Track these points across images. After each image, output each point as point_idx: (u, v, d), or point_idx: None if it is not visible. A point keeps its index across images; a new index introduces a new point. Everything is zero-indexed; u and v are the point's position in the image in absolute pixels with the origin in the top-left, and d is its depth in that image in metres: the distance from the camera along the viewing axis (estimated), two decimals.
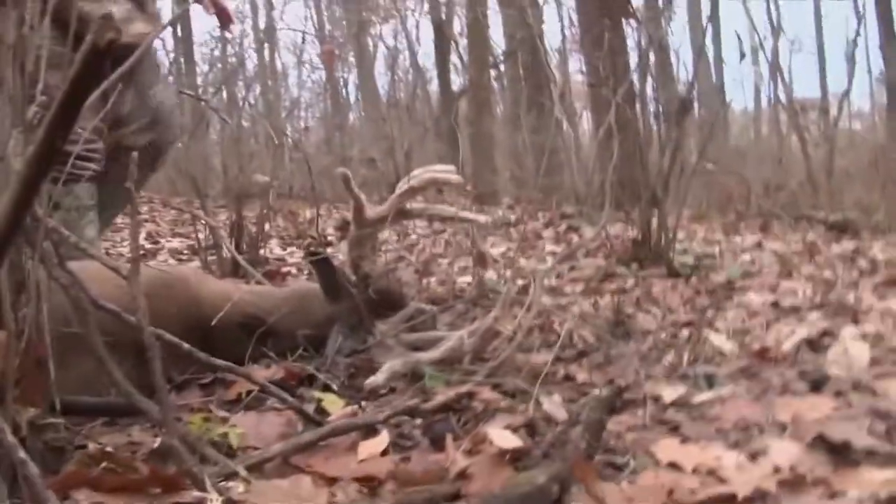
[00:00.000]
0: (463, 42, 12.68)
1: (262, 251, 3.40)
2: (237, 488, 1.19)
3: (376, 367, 1.76)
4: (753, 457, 1.29)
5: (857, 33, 12.18)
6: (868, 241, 4.50)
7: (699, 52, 9.00)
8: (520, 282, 2.65)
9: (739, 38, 13.44)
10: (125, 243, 4.34)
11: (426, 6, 13.41)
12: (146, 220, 5.95)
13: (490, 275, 3.02)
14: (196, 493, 1.15)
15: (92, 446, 1.31)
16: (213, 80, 13.45)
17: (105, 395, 1.46)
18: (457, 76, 13.83)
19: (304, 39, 15.69)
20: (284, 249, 4.34)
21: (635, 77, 5.51)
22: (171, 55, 13.75)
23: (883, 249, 3.94)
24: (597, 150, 6.16)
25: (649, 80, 5.63)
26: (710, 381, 1.75)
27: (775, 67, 11.76)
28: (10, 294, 1.20)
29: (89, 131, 2.34)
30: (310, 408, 1.56)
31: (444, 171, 2.10)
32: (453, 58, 13.30)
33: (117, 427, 1.50)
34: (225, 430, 1.41)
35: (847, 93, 11.22)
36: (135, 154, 1.43)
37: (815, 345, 2.08)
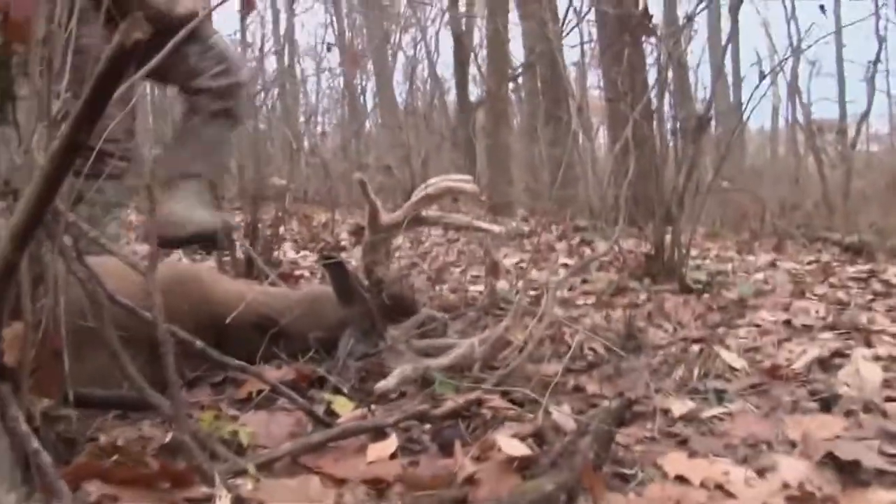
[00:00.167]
0: (482, 53, 12.71)
1: (275, 254, 3.41)
2: (246, 486, 1.19)
3: (387, 372, 1.77)
4: (762, 473, 1.29)
5: (878, 56, 12.09)
6: (883, 263, 4.47)
7: (718, 71, 8.99)
8: (532, 293, 2.65)
9: (759, 58, 13.39)
10: (139, 240, 4.36)
11: (446, 17, 13.43)
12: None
13: (502, 285, 3.02)
14: (205, 489, 1.16)
15: (103, 439, 1.32)
16: None
17: (117, 389, 1.47)
18: (475, 87, 13.87)
19: (328, 48, 15.72)
20: (298, 253, 4.35)
21: (653, 94, 5.50)
22: None
23: None
24: (612, 165, 6.16)
25: (667, 97, 5.62)
26: (720, 397, 1.75)
27: (794, 88, 11.74)
28: (29, 286, 1.22)
29: (122, 132, 2.39)
30: (320, 409, 1.56)
31: (460, 181, 2.10)
32: (472, 69, 13.32)
33: (128, 421, 1.51)
34: (235, 429, 1.42)
35: (866, 115, 11.19)
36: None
37: (827, 364, 2.08)
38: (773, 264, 4.55)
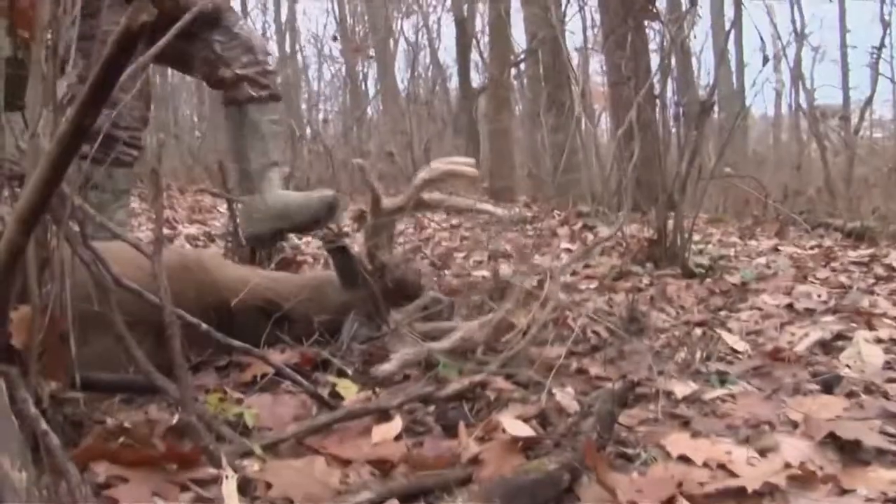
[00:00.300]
0: (484, 39, 12.69)
1: (280, 242, 3.41)
2: (252, 466, 1.21)
3: (390, 355, 1.78)
4: (764, 453, 1.30)
5: (882, 42, 12.05)
6: (885, 248, 4.48)
7: (721, 55, 8.96)
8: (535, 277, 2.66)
9: (763, 42, 13.34)
10: (142, 228, 4.38)
11: (448, 3, 13.40)
12: (164, 207, 5.98)
13: (506, 270, 3.03)
14: (211, 470, 1.17)
15: (110, 421, 1.33)
16: None
17: (124, 373, 1.48)
18: (477, 73, 13.85)
19: (335, 37, 15.66)
20: (300, 238, 4.35)
21: (656, 79, 5.50)
22: None
23: None
24: (615, 151, 6.15)
25: (670, 82, 5.62)
26: (723, 379, 1.76)
27: (797, 74, 11.71)
28: (36, 270, 1.23)
29: (136, 119, 2.41)
30: (324, 392, 1.57)
31: (461, 164, 2.11)
32: (474, 55, 13.30)
33: (135, 405, 1.53)
34: (240, 411, 1.43)
35: (869, 101, 11.14)
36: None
37: (829, 347, 2.09)
38: (775, 249, 4.55)
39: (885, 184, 7.38)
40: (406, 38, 16.57)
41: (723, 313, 2.59)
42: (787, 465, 1.23)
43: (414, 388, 1.57)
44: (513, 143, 10.78)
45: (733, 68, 15.11)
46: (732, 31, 12.62)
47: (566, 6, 10.81)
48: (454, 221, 5.32)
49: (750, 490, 1.14)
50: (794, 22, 13.92)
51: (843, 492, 1.16)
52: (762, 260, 3.99)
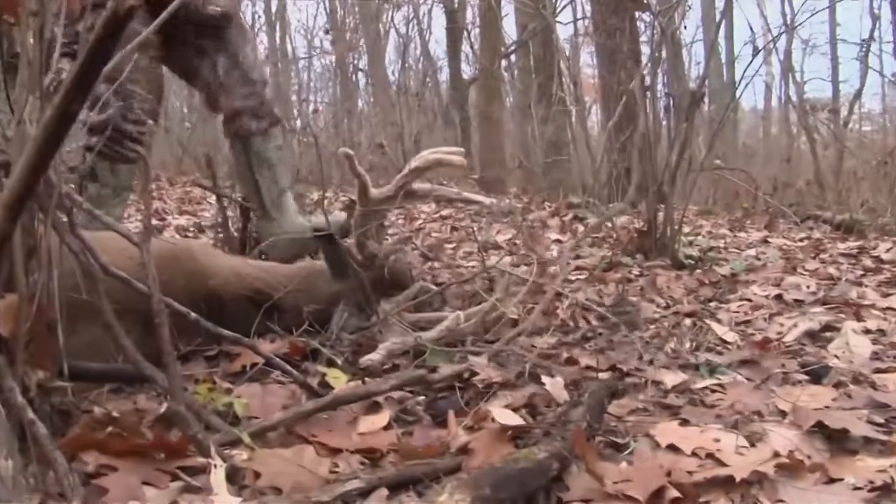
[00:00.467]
0: (475, 31, 12.67)
1: None
2: (241, 456, 1.20)
3: (379, 345, 1.77)
4: (752, 442, 1.31)
5: (871, 35, 12.05)
6: (873, 240, 4.50)
7: (711, 46, 8.97)
8: (524, 268, 2.66)
9: (753, 32, 13.34)
10: (132, 219, 4.35)
11: None
12: (154, 198, 5.96)
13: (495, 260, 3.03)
14: (200, 459, 1.17)
15: (98, 411, 1.33)
16: None
17: (113, 362, 1.47)
18: (467, 65, 13.83)
19: (327, 30, 15.60)
20: None
21: (646, 70, 5.49)
22: None
23: (888, 249, 3.94)
24: (605, 142, 6.14)
25: (660, 73, 5.62)
26: (712, 369, 1.77)
27: (787, 67, 11.72)
28: (23, 258, 1.21)
29: (147, 113, 2.41)
30: (314, 382, 1.57)
31: (449, 153, 2.10)
32: (465, 46, 13.28)
33: (123, 394, 1.52)
34: (229, 400, 1.43)
35: (858, 94, 11.17)
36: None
37: (817, 337, 2.10)
38: (764, 241, 4.56)
39: (873, 177, 7.38)
40: (396, 30, 16.52)
41: (712, 304, 2.60)
42: (776, 454, 1.24)
43: (405, 373, 1.57)
44: (503, 134, 10.77)
45: (724, 61, 15.12)
46: (723, 24, 12.63)
47: None
48: (444, 212, 5.31)
49: (738, 479, 1.14)
50: (784, 14, 13.93)
51: (831, 480, 1.17)
52: (752, 251, 4.01)
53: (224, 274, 1.92)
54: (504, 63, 12.21)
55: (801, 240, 4.69)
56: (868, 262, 3.59)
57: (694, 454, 1.26)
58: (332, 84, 16.69)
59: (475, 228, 4.00)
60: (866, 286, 2.89)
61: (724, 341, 2.05)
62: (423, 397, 1.54)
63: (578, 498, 1.13)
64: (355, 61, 15.99)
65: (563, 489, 1.15)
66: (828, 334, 2.11)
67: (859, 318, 2.29)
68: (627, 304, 2.31)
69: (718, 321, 2.26)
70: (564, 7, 11.12)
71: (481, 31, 11.00)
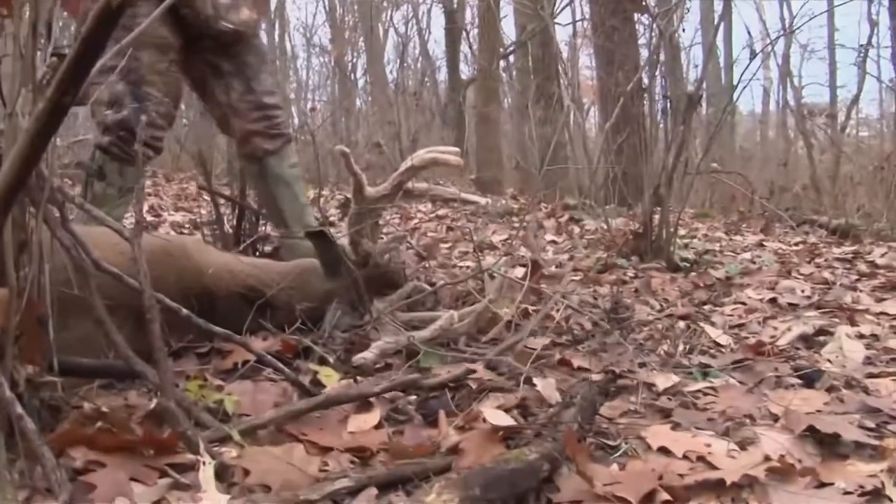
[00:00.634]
0: (473, 31, 12.67)
1: (262, 228, 3.40)
2: (230, 453, 1.20)
3: (371, 344, 1.77)
4: (743, 445, 1.31)
5: (869, 41, 12.08)
6: (869, 245, 4.50)
7: (709, 49, 8.97)
8: (520, 269, 2.65)
9: (751, 36, 13.37)
10: (126, 215, 4.34)
11: None
12: (149, 194, 5.95)
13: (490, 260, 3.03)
14: (189, 456, 1.16)
15: (88, 406, 1.32)
16: None
17: (103, 357, 1.46)
18: (466, 65, 13.83)
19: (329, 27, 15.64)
20: None
21: (644, 72, 5.49)
22: None
23: (883, 254, 3.95)
24: (603, 144, 6.14)
25: (658, 76, 5.61)
26: (705, 372, 1.76)
27: (785, 71, 11.74)
28: (13, 253, 1.21)
29: (162, 117, 2.41)
30: (306, 380, 1.56)
31: (445, 152, 2.10)
32: (463, 46, 13.28)
33: (114, 390, 1.51)
34: (220, 398, 1.42)
35: (856, 99, 11.20)
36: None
37: (811, 342, 2.10)
38: (760, 245, 4.57)
39: (870, 182, 7.40)
40: (395, 29, 16.52)
41: (706, 307, 2.60)
42: (767, 458, 1.23)
43: (398, 376, 1.57)
44: (501, 134, 10.77)
45: (722, 64, 15.14)
46: (721, 27, 12.65)
47: None
48: (440, 212, 5.31)
49: (729, 482, 1.14)
50: (782, 19, 13.96)
51: (822, 485, 1.17)
52: (747, 255, 4.01)
53: (217, 270, 1.91)
54: (503, 63, 12.22)
55: (796, 244, 4.70)
56: (863, 267, 3.59)
57: (685, 457, 1.26)
58: (331, 83, 16.69)
59: (471, 228, 3.99)
60: (861, 291, 2.89)
61: (718, 344, 2.05)
62: (414, 397, 1.53)
63: (569, 499, 1.13)
64: (353, 59, 15.99)
65: (554, 490, 1.15)
66: (821, 338, 2.11)
67: (853, 323, 2.29)
68: (621, 307, 2.30)
69: (712, 324, 2.26)
70: (563, 8, 11.10)
71: (480, 32, 11.01)
